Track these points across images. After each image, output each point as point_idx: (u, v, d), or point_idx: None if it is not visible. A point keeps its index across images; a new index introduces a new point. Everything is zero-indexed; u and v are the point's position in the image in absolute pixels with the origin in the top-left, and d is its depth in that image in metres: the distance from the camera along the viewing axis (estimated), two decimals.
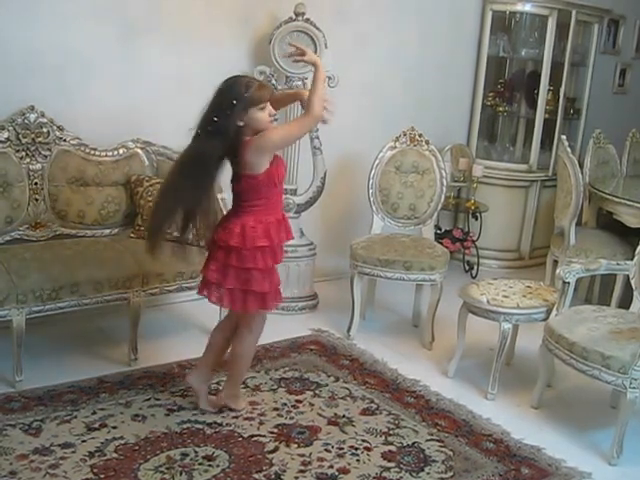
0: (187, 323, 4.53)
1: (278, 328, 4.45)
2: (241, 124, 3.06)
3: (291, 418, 3.51)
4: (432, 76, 5.80)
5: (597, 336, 3.50)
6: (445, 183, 4.90)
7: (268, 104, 3.11)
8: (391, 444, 3.37)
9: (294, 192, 4.80)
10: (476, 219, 5.90)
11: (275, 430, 3.39)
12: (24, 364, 3.60)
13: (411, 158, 4.89)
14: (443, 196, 4.91)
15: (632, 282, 3.90)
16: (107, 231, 4.24)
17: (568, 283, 3.81)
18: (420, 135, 4.91)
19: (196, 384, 3.49)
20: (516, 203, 6.17)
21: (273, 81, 4.64)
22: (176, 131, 4.49)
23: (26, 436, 3.17)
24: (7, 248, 3.83)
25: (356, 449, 3.31)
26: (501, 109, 6.23)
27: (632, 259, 3.97)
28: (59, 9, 4.07)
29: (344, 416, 3.58)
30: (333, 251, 5.30)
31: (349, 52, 5.21)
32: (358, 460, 3.23)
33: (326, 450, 3.28)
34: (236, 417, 3.47)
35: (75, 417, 3.35)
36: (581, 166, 5.23)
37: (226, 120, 3.03)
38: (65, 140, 4.10)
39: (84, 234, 4.16)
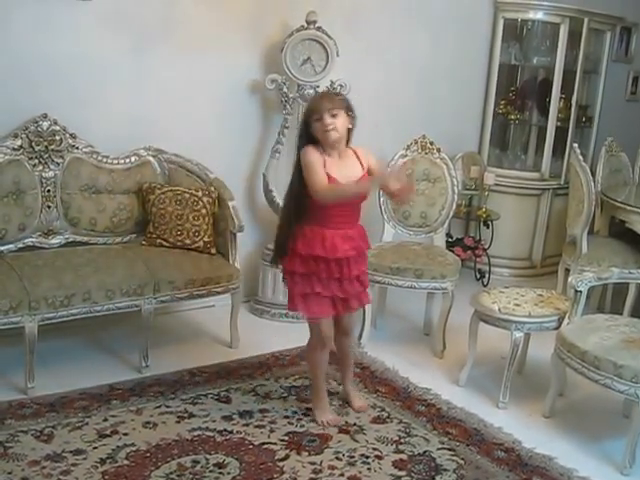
0: (198, 331, 4.54)
1: (288, 336, 4.45)
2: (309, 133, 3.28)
3: (302, 426, 3.51)
4: (443, 84, 5.81)
5: (609, 345, 3.48)
6: (456, 191, 4.90)
7: (325, 114, 3.19)
8: (402, 452, 3.36)
9: None
10: (487, 227, 5.89)
11: (286, 438, 3.39)
12: (36, 371, 3.62)
13: (422, 166, 4.88)
14: (454, 204, 4.90)
15: None
16: (119, 239, 4.25)
17: (580, 292, 3.79)
18: (431, 143, 4.91)
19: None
20: (528, 211, 6.15)
21: (285, 89, 4.66)
22: (188, 139, 4.57)
23: (38, 442, 3.18)
24: (20, 255, 3.85)
25: (367, 457, 3.30)
26: (513, 117, 6.22)
27: None
28: (72, 19, 4.10)
29: (355, 424, 3.57)
30: None
31: (360, 60, 5.22)
32: (369, 469, 3.22)
33: (337, 458, 3.27)
34: (246, 425, 3.47)
35: (86, 424, 3.36)
36: (593, 174, 5.21)
37: (302, 134, 3.33)
38: (77, 148, 4.13)
39: (96, 241, 4.18)
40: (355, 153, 3.35)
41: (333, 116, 3.20)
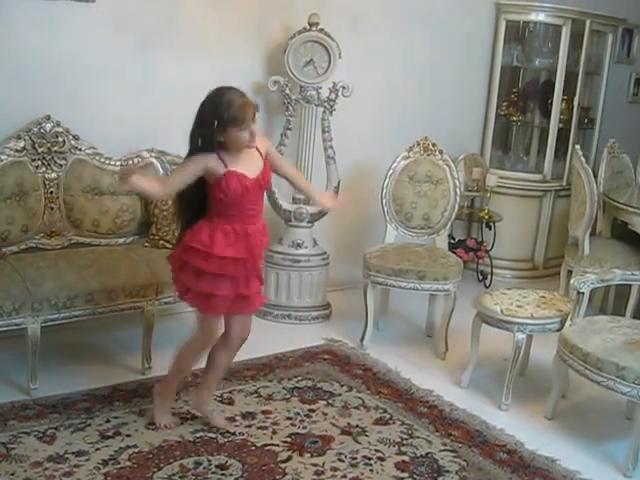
0: None
1: (291, 337, 4.46)
2: (221, 140, 3.07)
3: (304, 427, 3.51)
4: (446, 86, 5.81)
5: (612, 347, 3.48)
6: (459, 193, 4.90)
7: (251, 123, 3.06)
8: (404, 454, 3.36)
9: (307, 202, 4.81)
10: (490, 229, 5.89)
11: (288, 439, 3.39)
12: (39, 372, 3.62)
13: (425, 168, 4.89)
14: (457, 206, 4.90)
15: None
16: (121, 240, 4.26)
17: (582, 293, 3.79)
18: (434, 145, 4.91)
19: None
20: (530, 213, 6.15)
21: (287, 91, 4.66)
22: None
23: (40, 444, 3.18)
24: (23, 257, 3.85)
25: (369, 459, 3.30)
26: (515, 118, 6.23)
27: None
28: (75, 21, 4.11)
29: (357, 426, 3.57)
30: (346, 260, 5.30)
31: (363, 62, 5.23)
32: (371, 470, 3.22)
33: (339, 460, 3.27)
34: (249, 426, 3.47)
35: (89, 425, 3.36)
36: (595, 176, 5.21)
37: (207, 139, 3.07)
38: (80, 149, 4.13)
39: (99, 243, 4.19)
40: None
41: (253, 122, 3.09)
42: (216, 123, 3.02)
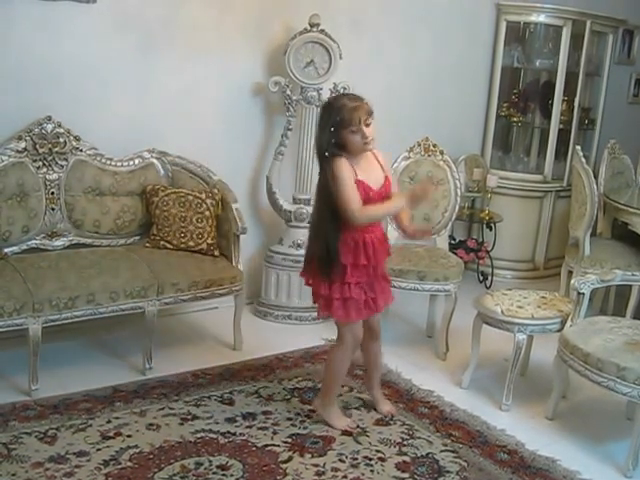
0: (201, 332, 4.55)
1: (291, 338, 4.47)
2: (339, 141, 3.16)
3: (305, 428, 3.51)
4: (446, 86, 5.81)
5: (612, 347, 3.48)
6: (459, 193, 4.90)
7: (362, 126, 3.15)
8: (405, 455, 3.36)
9: (308, 202, 4.81)
10: (490, 229, 5.89)
11: (289, 440, 3.39)
12: (40, 373, 3.62)
13: (425, 168, 4.89)
14: (457, 206, 4.90)
15: None
16: (122, 240, 4.27)
17: (583, 294, 3.79)
18: (434, 145, 4.92)
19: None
20: (530, 213, 6.15)
21: (288, 91, 4.67)
22: (191, 141, 4.58)
23: (41, 444, 3.18)
24: (24, 257, 3.86)
25: (370, 459, 3.30)
26: (515, 119, 6.23)
27: None
28: (76, 22, 4.11)
29: (358, 426, 3.57)
30: None
31: (363, 63, 5.23)
32: (372, 470, 3.22)
33: (340, 460, 3.27)
34: (250, 427, 3.47)
35: (90, 426, 3.36)
36: (596, 176, 5.21)
37: (328, 142, 3.16)
38: (81, 150, 4.14)
39: (100, 243, 4.20)
40: (373, 154, 3.31)
41: (367, 125, 3.18)
42: (331, 126, 3.14)
